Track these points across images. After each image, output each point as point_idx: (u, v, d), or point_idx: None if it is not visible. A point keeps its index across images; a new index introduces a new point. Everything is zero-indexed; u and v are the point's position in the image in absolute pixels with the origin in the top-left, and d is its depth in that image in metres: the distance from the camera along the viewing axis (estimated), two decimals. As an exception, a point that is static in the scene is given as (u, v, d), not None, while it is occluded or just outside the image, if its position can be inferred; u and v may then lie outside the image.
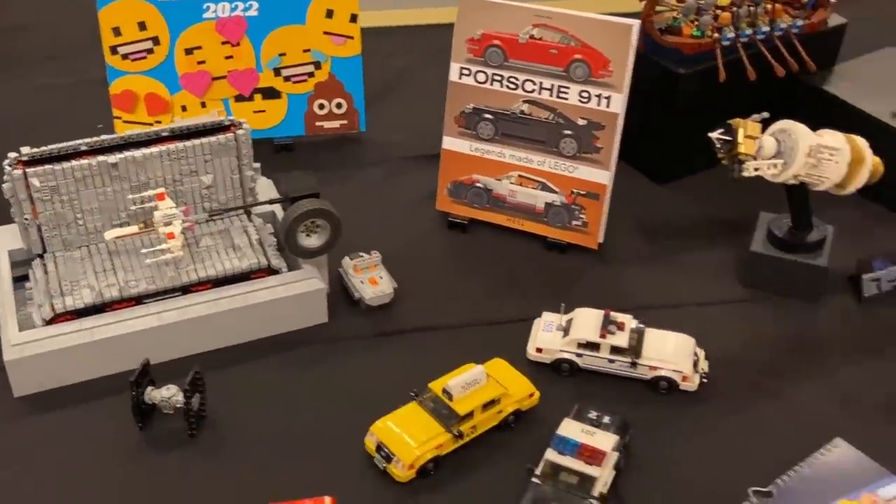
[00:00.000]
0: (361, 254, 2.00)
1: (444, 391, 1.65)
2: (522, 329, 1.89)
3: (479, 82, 2.09)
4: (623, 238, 2.16)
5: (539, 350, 1.83)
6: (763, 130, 1.88)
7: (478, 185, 2.16)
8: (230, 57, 2.29)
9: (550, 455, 1.58)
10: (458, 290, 2.03)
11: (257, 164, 1.91)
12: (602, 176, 2.06)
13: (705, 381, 1.78)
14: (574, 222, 2.11)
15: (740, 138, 1.80)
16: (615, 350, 1.78)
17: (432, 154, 2.21)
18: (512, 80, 2.06)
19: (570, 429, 1.62)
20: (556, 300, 1.89)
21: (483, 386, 1.67)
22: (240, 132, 1.85)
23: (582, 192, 2.08)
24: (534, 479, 1.56)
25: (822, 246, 1.98)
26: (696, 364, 1.79)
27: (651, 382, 1.78)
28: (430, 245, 2.16)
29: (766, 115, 1.82)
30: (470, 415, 1.64)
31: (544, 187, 2.11)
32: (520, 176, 2.13)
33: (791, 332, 1.93)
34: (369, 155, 2.42)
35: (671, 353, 1.78)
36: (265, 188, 2.00)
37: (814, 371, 1.84)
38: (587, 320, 1.82)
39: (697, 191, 2.29)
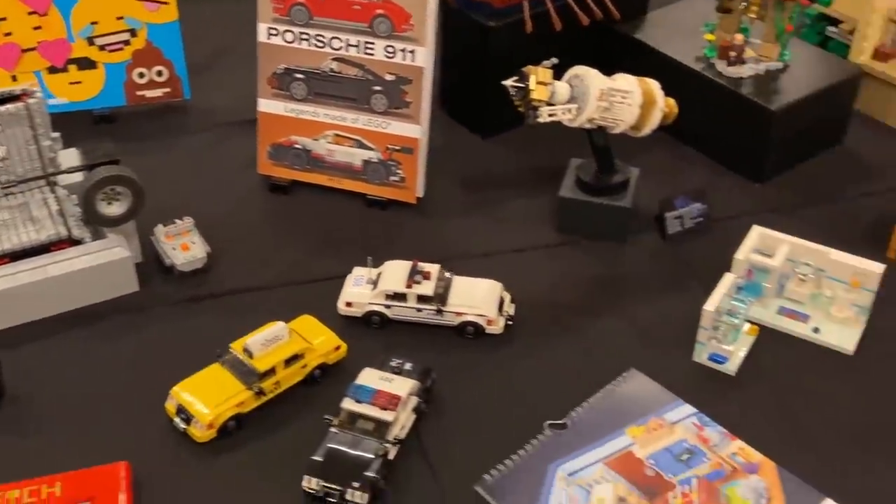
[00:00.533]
0: (175, 220, 1.99)
1: (245, 349, 1.65)
2: (336, 286, 1.90)
3: (288, 42, 2.09)
4: (443, 191, 2.19)
5: (349, 304, 1.84)
6: (562, 78, 1.93)
7: (296, 146, 2.16)
8: (38, 28, 2.24)
9: (347, 404, 1.60)
10: (274, 252, 2.03)
11: (56, 134, 1.88)
12: (414, 130, 2.08)
13: (510, 323, 1.83)
14: (392, 178, 2.12)
15: (532, 85, 1.84)
16: (422, 299, 1.81)
17: (255, 118, 2.21)
18: (319, 38, 2.06)
19: (368, 377, 1.64)
20: (374, 256, 1.91)
21: (285, 342, 1.68)
22: (32, 101, 1.81)
23: (397, 148, 2.10)
24: (331, 429, 1.58)
25: (626, 187, 2.04)
26: (501, 308, 1.84)
27: (458, 328, 1.82)
28: (250, 209, 2.16)
29: (555, 60, 1.86)
30: (271, 371, 1.65)
31: (360, 145, 2.13)
32: (336, 135, 2.13)
33: (598, 273, 1.99)
34: (194, 122, 2.40)
35: (477, 299, 1.82)
36: (71, 158, 1.97)
37: (616, 308, 1.90)
38: (395, 272, 1.85)
39: (518, 143, 2.32)
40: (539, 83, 1.84)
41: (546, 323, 1.86)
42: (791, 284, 1.88)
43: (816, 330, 1.83)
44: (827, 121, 2.29)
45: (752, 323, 1.82)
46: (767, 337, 1.83)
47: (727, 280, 1.78)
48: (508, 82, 1.86)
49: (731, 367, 1.77)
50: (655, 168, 2.23)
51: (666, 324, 1.85)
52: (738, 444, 1.62)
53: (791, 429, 1.67)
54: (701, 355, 1.78)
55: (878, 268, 1.79)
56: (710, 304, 1.73)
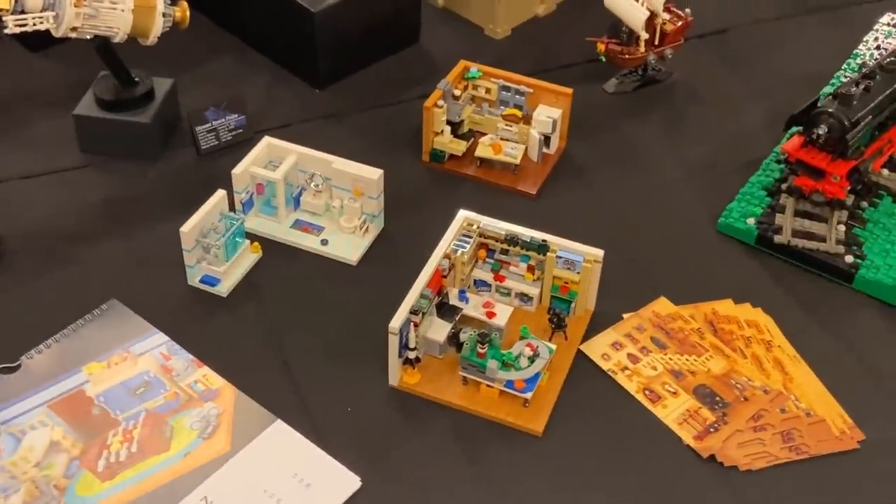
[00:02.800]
0: None
1: None
2: None
3: None
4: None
5: None
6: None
7: None
8: None
9: None
10: None
11: None
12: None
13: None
14: None
15: (0, -4, 1.67)
16: None
17: None
18: None
19: None
20: None
21: None
22: None
23: None
24: None
25: (151, 100, 1.91)
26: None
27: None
28: None
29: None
30: None
31: None
32: None
33: (113, 195, 1.86)
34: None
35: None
36: None
37: (121, 233, 1.78)
38: None
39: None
40: (5, -9, 1.67)
41: (39, 254, 1.73)
42: (307, 196, 1.81)
43: (325, 242, 1.77)
44: (393, 22, 2.20)
45: (255, 240, 1.74)
46: (277, 253, 1.76)
47: (215, 198, 1.68)
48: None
49: (223, 288, 1.69)
50: (219, 76, 2.12)
51: (174, 247, 1.73)
52: (203, 371, 1.55)
53: (277, 346, 1.61)
54: (194, 278, 1.70)
55: (374, 174, 1.74)
56: (187, 226, 1.63)
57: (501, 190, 1.91)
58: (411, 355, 1.55)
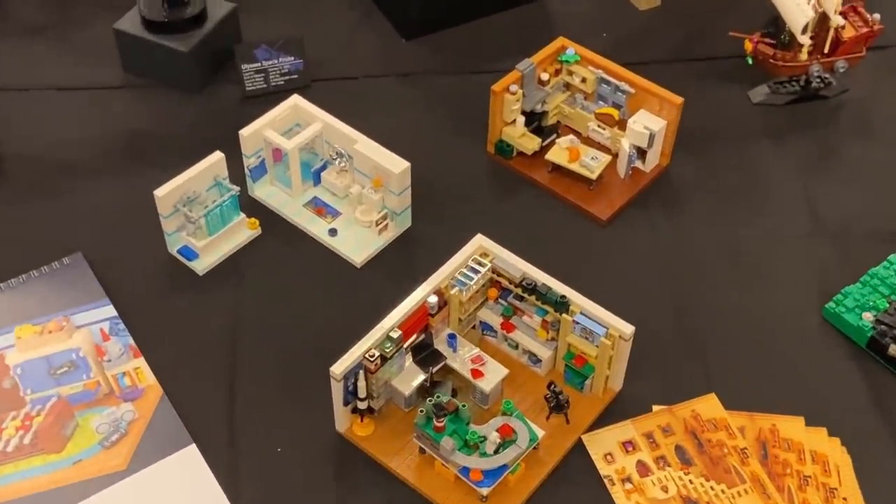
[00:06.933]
0: None
1: None
2: None
3: None
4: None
5: None
6: None
7: None
8: None
9: None
10: None
11: None
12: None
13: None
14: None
15: None
16: None
17: None
18: None
19: None
20: None
21: None
22: None
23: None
24: None
25: (200, 26, 1.68)
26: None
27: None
28: None
29: None
30: None
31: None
32: None
33: (133, 127, 1.65)
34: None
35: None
36: None
37: (121, 175, 1.57)
38: None
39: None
40: None
41: (32, 182, 1.56)
42: (329, 174, 1.54)
43: (333, 232, 1.50)
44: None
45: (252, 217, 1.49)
46: (278, 233, 1.51)
47: (209, 160, 1.43)
48: None
49: (200, 265, 1.46)
50: (298, 6, 1.85)
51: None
52: (137, 363, 1.33)
53: (231, 349, 1.37)
54: (172, 247, 1.48)
55: (398, 166, 1.43)
56: (163, 189, 1.40)
57: (570, 209, 1.57)
58: (361, 405, 1.28)
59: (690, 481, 1.25)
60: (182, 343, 1.38)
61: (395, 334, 1.25)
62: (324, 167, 1.54)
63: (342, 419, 1.28)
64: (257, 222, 1.51)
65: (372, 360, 1.23)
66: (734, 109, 1.71)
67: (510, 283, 1.33)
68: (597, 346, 1.27)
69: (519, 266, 1.32)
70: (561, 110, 1.63)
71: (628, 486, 1.25)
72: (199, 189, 1.44)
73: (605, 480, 1.25)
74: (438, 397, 1.23)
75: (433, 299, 1.28)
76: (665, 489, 1.24)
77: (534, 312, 1.33)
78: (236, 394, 1.33)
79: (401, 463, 1.26)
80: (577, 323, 1.27)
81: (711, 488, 1.24)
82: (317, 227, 1.51)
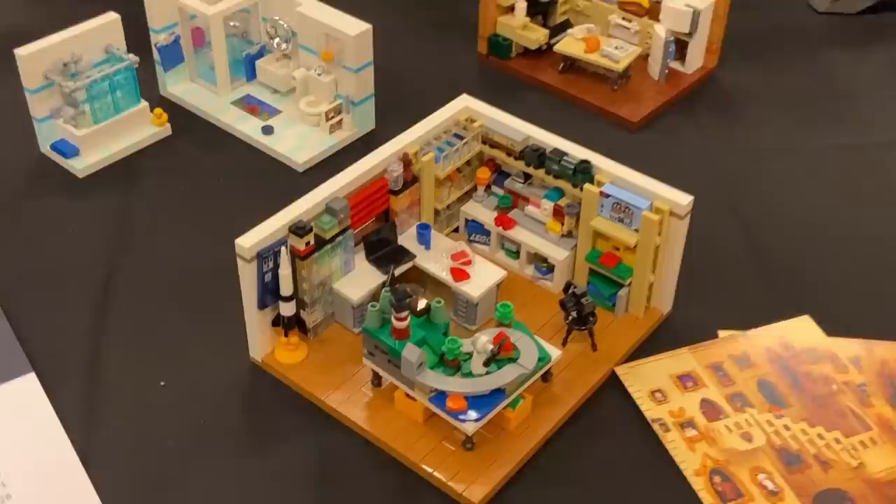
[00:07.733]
0: None
1: None
2: None
3: None
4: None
5: None
6: None
7: None
8: None
9: None
10: None
11: None
12: None
13: None
14: None
15: None
16: None
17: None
18: None
19: None
20: None
21: None
22: None
23: None
24: None
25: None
26: None
27: None
28: None
29: None
30: None
31: None
32: None
33: None
34: None
35: None
36: None
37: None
38: None
39: None
40: None
41: None
42: (266, 61, 1.16)
43: (268, 130, 1.11)
44: None
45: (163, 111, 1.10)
46: (198, 134, 1.12)
47: (98, 20, 1.06)
48: None
49: (80, 164, 1.06)
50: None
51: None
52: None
53: (105, 266, 0.97)
54: (45, 141, 1.09)
55: (355, 28, 1.05)
56: (27, 48, 1.02)
57: (590, 112, 1.19)
58: (286, 310, 0.86)
59: (786, 427, 0.83)
60: (43, 256, 0.98)
61: (339, 205, 0.85)
62: (259, 55, 1.17)
63: (259, 340, 0.86)
64: (165, 117, 1.12)
65: (301, 235, 0.82)
66: (799, 17, 1.36)
67: (509, 156, 0.94)
68: (636, 232, 0.87)
69: (519, 128, 0.93)
70: (573, 4, 1.28)
71: (690, 432, 0.82)
72: (82, 54, 1.06)
73: (654, 425, 0.83)
74: (400, 286, 0.82)
75: (396, 168, 0.89)
76: (748, 437, 0.82)
77: (542, 197, 0.93)
78: (107, 317, 0.92)
79: (344, 400, 0.84)
80: (608, 196, 0.87)
81: (820, 437, 0.82)
82: (248, 126, 1.13)
